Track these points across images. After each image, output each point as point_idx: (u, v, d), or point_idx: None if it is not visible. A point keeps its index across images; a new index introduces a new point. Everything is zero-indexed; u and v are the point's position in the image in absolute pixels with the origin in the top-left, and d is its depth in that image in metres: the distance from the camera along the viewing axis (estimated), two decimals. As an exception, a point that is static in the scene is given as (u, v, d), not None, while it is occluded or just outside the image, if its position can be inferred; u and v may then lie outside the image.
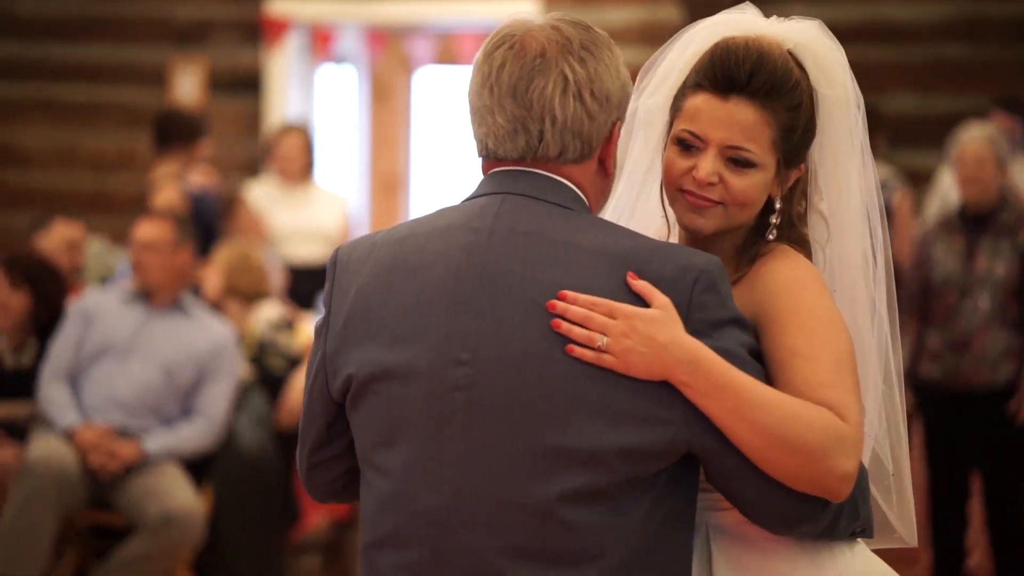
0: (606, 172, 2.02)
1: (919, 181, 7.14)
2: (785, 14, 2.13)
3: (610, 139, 2.00)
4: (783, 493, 1.89)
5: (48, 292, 5.31)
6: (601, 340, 1.84)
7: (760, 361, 1.94)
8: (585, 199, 2.00)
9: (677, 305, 1.87)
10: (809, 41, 2.08)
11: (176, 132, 6.89)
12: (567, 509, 1.87)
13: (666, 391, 1.87)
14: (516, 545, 1.90)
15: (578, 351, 1.86)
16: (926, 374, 5.32)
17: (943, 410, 5.30)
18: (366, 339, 1.98)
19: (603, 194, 2.05)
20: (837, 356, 1.94)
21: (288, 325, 5.86)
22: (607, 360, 1.85)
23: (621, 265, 1.89)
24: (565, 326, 1.86)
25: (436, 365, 1.93)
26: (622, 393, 1.87)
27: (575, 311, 1.86)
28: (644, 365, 1.85)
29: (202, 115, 7.18)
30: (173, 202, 6.73)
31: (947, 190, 6.52)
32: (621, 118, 2.02)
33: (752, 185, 2.04)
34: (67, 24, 8.62)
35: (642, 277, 1.88)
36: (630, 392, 1.87)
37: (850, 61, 2.11)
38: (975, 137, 5.32)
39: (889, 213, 6.32)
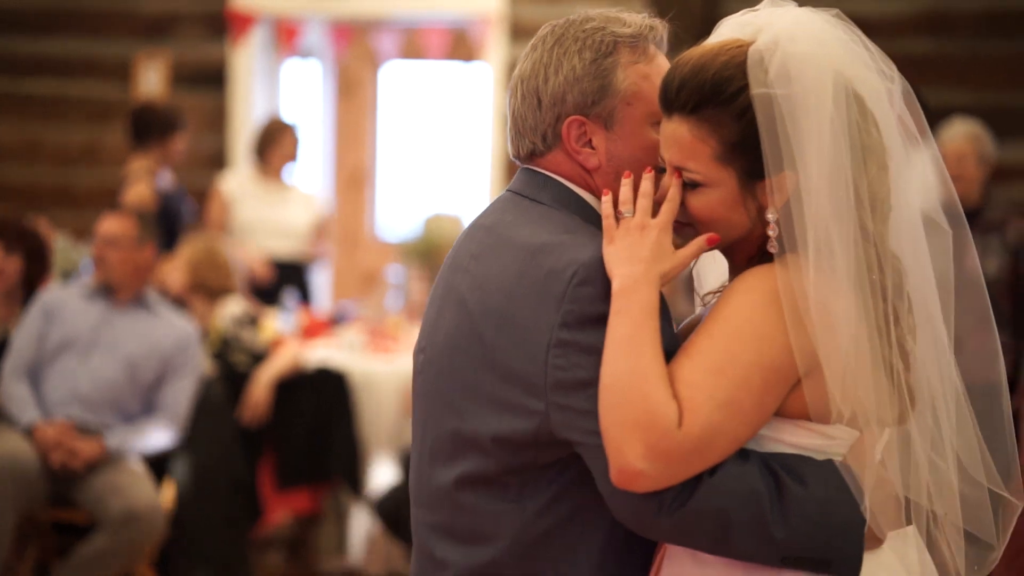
0: (585, 160, 2.06)
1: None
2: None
3: (566, 135, 2.04)
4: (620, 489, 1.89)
5: (40, 257, 5.29)
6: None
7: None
8: (578, 187, 2.07)
9: (555, 296, 1.93)
10: (785, 37, 1.93)
11: (153, 126, 6.87)
12: (464, 492, 2.01)
13: (537, 382, 1.93)
14: (436, 523, 2.06)
15: None
16: None
17: None
18: None
19: (600, 172, 2.06)
20: (721, 364, 1.86)
21: (252, 321, 5.84)
22: None
23: (529, 258, 1.97)
24: None
25: (414, 351, 2.16)
26: (503, 383, 1.96)
27: None
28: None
29: (178, 110, 7.14)
30: (144, 197, 6.70)
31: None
32: (580, 113, 2.04)
33: (705, 204, 1.97)
34: (32, 17, 8.56)
35: (539, 270, 1.95)
36: (508, 382, 1.95)
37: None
38: (957, 134, 5.29)
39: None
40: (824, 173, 1.90)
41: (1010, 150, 6.91)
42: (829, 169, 1.90)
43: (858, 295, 1.90)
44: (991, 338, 2.03)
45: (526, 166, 2.12)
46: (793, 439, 1.92)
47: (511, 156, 2.14)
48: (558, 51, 2.05)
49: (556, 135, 2.06)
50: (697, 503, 1.85)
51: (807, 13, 1.98)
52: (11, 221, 5.40)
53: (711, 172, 1.95)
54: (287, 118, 7.62)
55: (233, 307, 5.81)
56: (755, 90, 1.90)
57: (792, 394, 1.90)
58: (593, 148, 2.05)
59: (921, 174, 2.02)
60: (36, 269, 5.27)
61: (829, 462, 1.91)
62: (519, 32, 8.05)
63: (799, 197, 1.90)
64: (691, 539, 1.90)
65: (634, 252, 1.92)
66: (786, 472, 1.88)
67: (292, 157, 7.19)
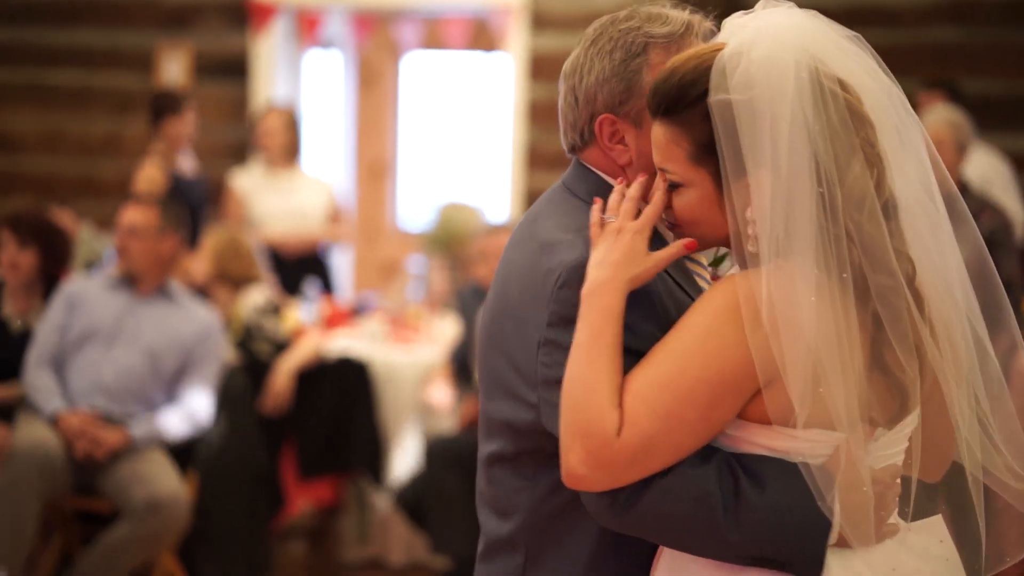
0: (618, 157, 2.13)
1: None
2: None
3: (599, 132, 2.11)
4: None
5: (56, 250, 5.29)
6: None
7: None
8: (614, 178, 2.12)
9: (545, 295, 2.02)
10: (748, 43, 1.93)
11: (165, 107, 6.99)
12: (494, 468, 2.15)
13: (531, 376, 2.03)
14: (480, 491, 2.21)
15: None
16: None
17: None
18: None
19: (632, 168, 2.11)
20: (669, 377, 1.89)
21: (275, 310, 5.85)
22: None
23: (537, 255, 2.06)
24: None
25: None
26: (513, 373, 2.07)
27: None
28: None
29: (177, 94, 7.25)
30: (154, 179, 6.74)
31: None
32: (611, 112, 2.10)
33: (686, 204, 2.00)
34: (54, 9, 8.59)
35: (540, 267, 2.04)
36: (516, 373, 2.06)
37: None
38: (934, 120, 5.26)
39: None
40: (783, 176, 1.89)
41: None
42: (787, 172, 1.89)
43: (828, 297, 1.88)
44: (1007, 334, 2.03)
45: (576, 157, 2.20)
46: (765, 442, 1.93)
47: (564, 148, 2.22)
48: (592, 51, 2.13)
49: (591, 132, 2.14)
50: (647, 505, 1.90)
51: (792, 15, 1.98)
52: (26, 215, 5.40)
53: (687, 173, 1.99)
54: (280, 104, 7.67)
55: (257, 296, 5.82)
56: (712, 97, 1.92)
57: (758, 400, 1.91)
58: (626, 145, 2.11)
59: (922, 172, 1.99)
60: (53, 262, 5.27)
61: (793, 465, 1.91)
62: (540, 22, 8.04)
63: (761, 200, 1.91)
64: (649, 536, 1.97)
65: (605, 256, 1.96)
66: (747, 474, 1.90)
67: (279, 135, 7.16)
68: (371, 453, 5.83)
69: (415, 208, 9.28)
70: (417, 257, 7.45)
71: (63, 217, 6.32)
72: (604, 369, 1.90)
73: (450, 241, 7.09)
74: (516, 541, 2.11)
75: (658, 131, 2.00)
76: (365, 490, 6.03)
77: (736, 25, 2.00)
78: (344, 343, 6.15)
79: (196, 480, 5.15)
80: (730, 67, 1.92)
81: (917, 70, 7.53)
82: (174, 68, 8.46)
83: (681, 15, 2.12)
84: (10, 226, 5.22)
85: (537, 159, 8.14)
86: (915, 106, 6.71)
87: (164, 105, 7.05)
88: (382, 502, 6.02)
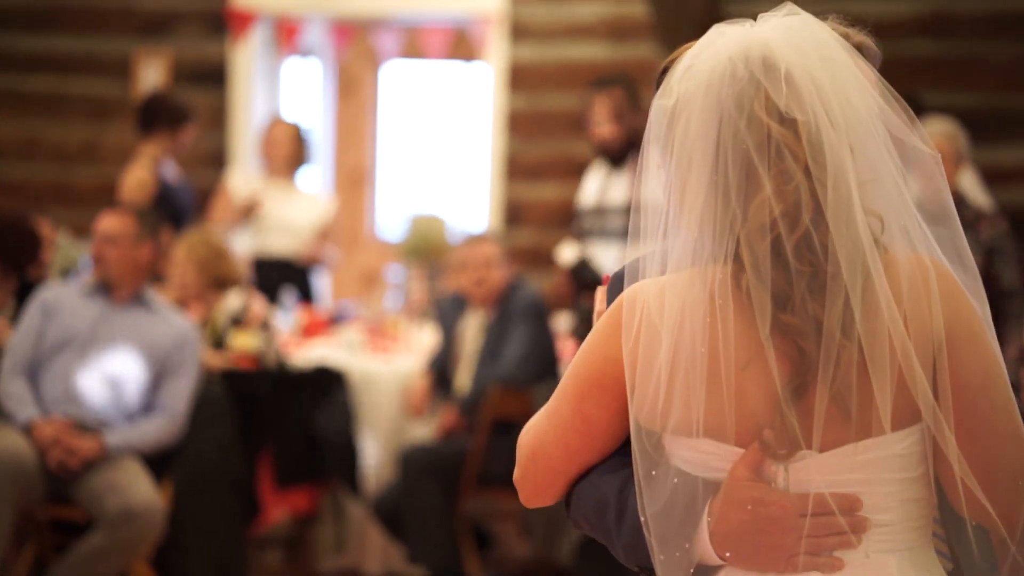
0: None
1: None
2: (755, 11, 1.97)
3: None
4: None
5: (14, 247, 5.22)
6: None
7: None
8: None
9: None
10: (692, 54, 1.83)
11: (162, 116, 6.88)
12: None
13: None
14: None
15: None
16: None
17: None
18: None
19: None
20: (563, 381, 1.91)
21: (236, 322, 5.81)
22: None
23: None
24: None
25: None
26: None
27: None
28: None
29: (190, 103, 7.15)
30: (143, 181, 6.71)
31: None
32: None
33: None
34: (31, 14, 8.55)
35: None
36: None
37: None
38: (932, 132, 5.31)
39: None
40: (676, 187, 1.81)
41: (1011, 152, 6.91)
42: (680, 184, 1.81)
43: (709, 301, 1.78)
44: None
45: None
46: (678, 452, 1.85)
47: None
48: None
49: None
50: (572, 508, 1.97)
51: (769, 27, 1.83)
52: None
53: None
54: (287, 116, 7.63)
55: (233, 301, 5.80)
56: (657, 101, 1.85)
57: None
58: None
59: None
60: (11, 259, 5.21)
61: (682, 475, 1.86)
62: (520, 32, 8.04)
63: (665, 201, 1.85)
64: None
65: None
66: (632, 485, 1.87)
67: (284, 146, 7.15)
68: (348, 462, 5.81)
69: (394, 217, 9.27)
70: (395, 266, 7.44)
71: (43, 226, 6.26)
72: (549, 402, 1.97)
73: (426, 251, 7.09)
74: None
75: None
76: (341, 499, 6.01)
77: (717, 31, 1.87)
78: (322, 352, 6.13)
79: (171, 488, 5.13)
80: (671, 76, 1.84)
81: (896, 83, 7.55)
82: (152, 75, 8.43)
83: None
84: None
85: (516, 169, 8.14)
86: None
87: (186, 111, 6.95)
88: (358, 511, 6.00)
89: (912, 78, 7.40)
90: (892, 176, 1.81)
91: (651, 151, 1.87)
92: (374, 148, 9.43)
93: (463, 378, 5.88)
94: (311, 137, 7.48)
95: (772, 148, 1.76)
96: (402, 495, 5.59)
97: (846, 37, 1.93)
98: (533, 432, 1.93)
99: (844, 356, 1.75)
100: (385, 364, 6.16)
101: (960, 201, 5.27)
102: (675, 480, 1.82)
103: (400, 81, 9.39)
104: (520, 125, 8.12)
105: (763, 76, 1.77)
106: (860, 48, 1.96)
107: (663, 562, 1.82)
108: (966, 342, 1.79)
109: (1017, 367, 5.16)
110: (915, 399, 1.78)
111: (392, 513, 5.65)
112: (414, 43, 8.75)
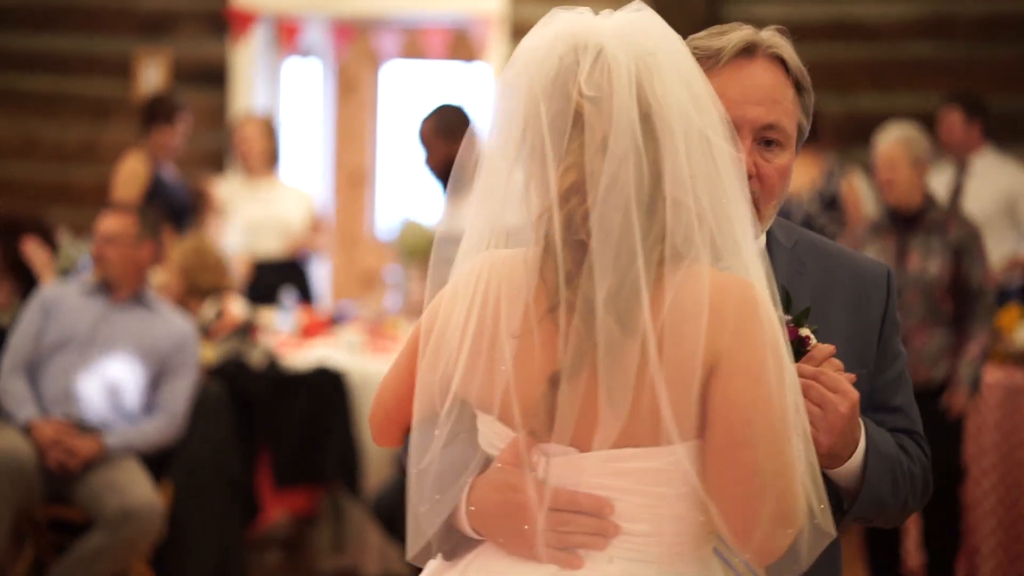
0: None
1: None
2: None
3: None
4: None
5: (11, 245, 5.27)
6: None
7: None
8: None
9: None
10: (533, 31, 1.83)
11: (159, 113, 6.97)
12: None
13: None
14: None
15: None
16: None
17: None
18: None
19: None
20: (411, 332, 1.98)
21: (202, 331, 5.80)
22: None
23: None
24: None
25: None
26: None
27: None
28: None
29: (170, 102, 7.18)
30: (136, 173, 6.73)
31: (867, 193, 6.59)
32: None
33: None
34: (30, 13, 8.55)
35: None
36: None
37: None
38: (887, 139, 5.31)
39: (836, 201, 6.38)
40: (497, 157, 1.83)
41: (1011, 153, 6.91)
42: (500, 154, 1.82)
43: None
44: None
45: None
46: (480, 426, 1.88)
47: None
48: None
49: None
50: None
51: (603, 16, 1.81)
52: None
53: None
54: (257, 112, 7.66)
55: (208, 311, 5.81)
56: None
57: None
58: None
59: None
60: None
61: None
62: (520, 32, 8.02)
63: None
64: None
65: None
66: None
67: (257, 143, 7.14)
68: (347, 463, 5.81)
69: (394, 218, 9.27)
70: (394, 267, 7.44)
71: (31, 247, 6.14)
72: None
73: (423, 252, 7.09)
74: None
75: (760, 72, 2.05)
76: (340, 500, 6.01)
77: (553, 14, 1.83)
78: (321, 352, 6.13)
79: (170, 489, 5.13)
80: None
81: (895, 85, 7.57)
82: (152, 75, 8.44)
83: (724, 37, 2.09)
84: None
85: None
86: (933, 121, 6.63)
87: (177, 104, 7.02)
88: (357, 512, 6.00)
89: (912, 79, 7.40)
90: (711, 175, 1.77)
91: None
92: (374, 148, 9.43)
93: (463, 378, 5.87)
94: (280, 130, 7.50)
95: (576, 122, 1.74)
96: (401, 494, 5.58)
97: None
98: (384, 378, 1.99)
99: (617, 349, 1.72)
100: (385, 364, 6.13)
101: (930, 203, 5.28)
102: (458, 447, 1.87)
103: (400, 81, 9.39)
104: (520, 126, 8.11)
105: (581, 56, 1.76)
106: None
107: (422, 514, 1.92)
108: (743, 373, 1.72)
109: (979, 365, 5.16)
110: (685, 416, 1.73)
111: (391, 513, 5.64)
112: (414, 43, 8.75)
